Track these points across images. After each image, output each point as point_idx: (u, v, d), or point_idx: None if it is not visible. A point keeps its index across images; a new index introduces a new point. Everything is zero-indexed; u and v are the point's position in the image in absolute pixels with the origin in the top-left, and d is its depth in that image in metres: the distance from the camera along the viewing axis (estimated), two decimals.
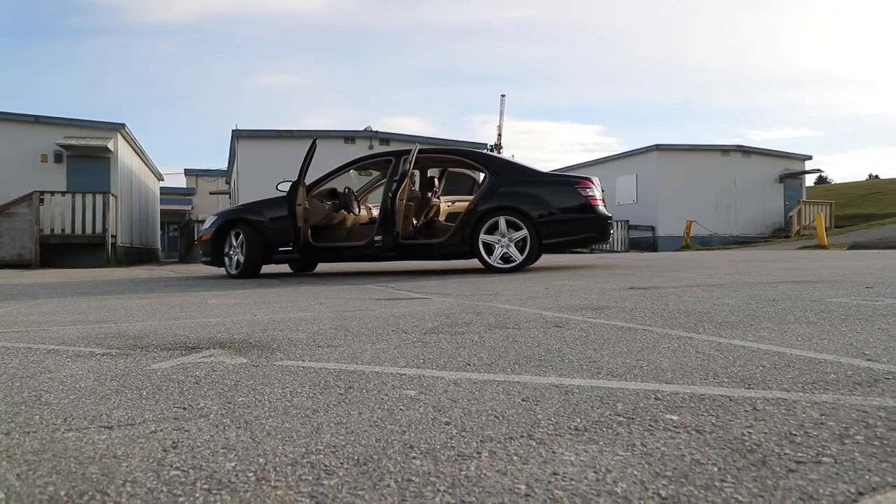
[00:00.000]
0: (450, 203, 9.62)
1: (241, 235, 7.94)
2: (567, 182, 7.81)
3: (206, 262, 8.60)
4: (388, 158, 8.18)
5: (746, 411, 1.22)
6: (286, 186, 7.80)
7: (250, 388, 1.53)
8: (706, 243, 25.01)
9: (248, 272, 7.86)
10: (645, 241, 26.05)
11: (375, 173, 9.52)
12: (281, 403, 1.37)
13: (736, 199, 27.66)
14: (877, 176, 67.34)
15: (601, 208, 7.60)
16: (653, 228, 26.61)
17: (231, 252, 8.07)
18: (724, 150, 28.16)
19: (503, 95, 53.98)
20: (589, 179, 7.73)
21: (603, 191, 8.12)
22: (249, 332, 2.57)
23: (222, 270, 8.34)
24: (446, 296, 4.42)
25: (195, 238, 21.06)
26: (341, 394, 1.43)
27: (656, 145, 27.30)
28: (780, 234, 27.29)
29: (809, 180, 32.70)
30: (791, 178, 29.22)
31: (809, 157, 30.53)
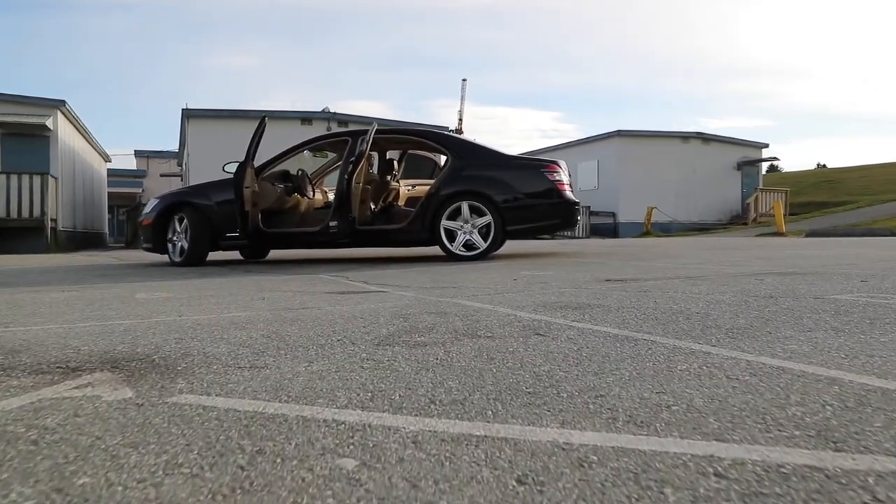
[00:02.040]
0: (409, 187, 9.13)
1: (186, 220, 7.35)
2: (533, 166, 7.41)
3: (147, 249, 7.99)
4: (344, 139, 7.64)
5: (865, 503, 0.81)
6: (233, 168, 7.21)
7: (109, 453, 1.03)
8: (666, 230, 25.00)
9: (193, 260, 7.28)
10: (606, 228, 25.94)
11: (331, 155, 8.96)
12: (140, 492, 0.89)
13: (695, 186, 27.72)
14: (825, 165, 68.73)
15: (568, 193, 7.22)
16: (614, 215, 26.52)
17: (174, 238, 7.48)
18: (685, 136, 28.20)
19: (464, 80, 53.45)
20: (556, 163, 7.34)
21: (570, 175, 7.73)
22: (160, 343, 2.07)
23: (166, 258, 7.73)
24: (405, 289, 3.97)
25: None
26: (242, 467, 0.96)
27: (618, 131, 27.16)
28: (738, 221, 27.49)
29: (763, 168, 33.03)
30: (748, 166, 29.44)
31: (766, 145, 30.86)
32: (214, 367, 1.65)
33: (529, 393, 1.33)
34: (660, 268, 5.34)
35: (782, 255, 7.20)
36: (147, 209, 8.01)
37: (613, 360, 1.65)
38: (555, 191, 7.07)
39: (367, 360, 1.71)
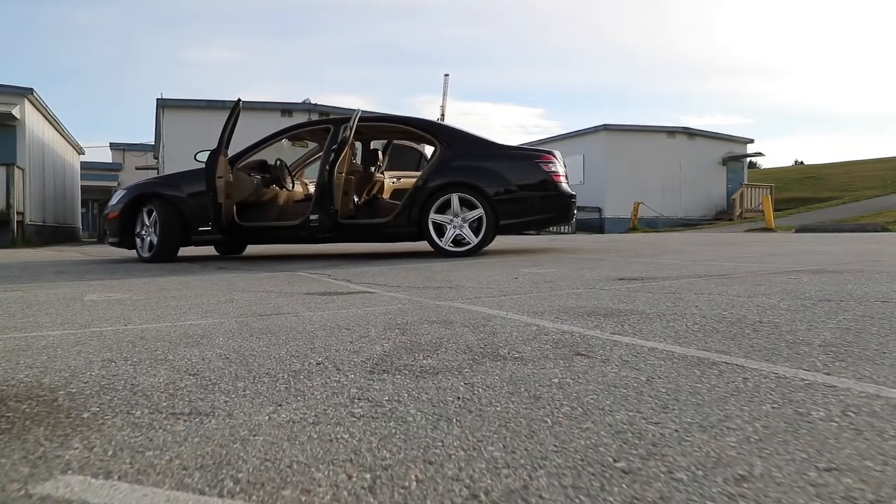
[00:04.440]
0: (395, 179, 8.62)
1: (155, 213, 6.78)
2: (527, 156, 6.89)
3: (113, 244, 7.40)
4: (325, 127, 7.10)
5: None
6: (206, 156, 6.64)
7: None
8: (652, 225, 24.65)
9: (163, 256, 6.73)
10: (592, 223, 25.55)
11: (312, 145, 8.42)
12: None
13: (681, 182, 27.41)
14: (802, 162, 68.81)
15: (564, 186, 6.74)
16: (599, 210, 26.11)
17: (143, 232, 6.93)
18: (671, 131, 27.86)
19: (447, 75, 52.58)
20: (551, 153, 6.85)
21: (565, 166, 7.24)
22: (80, 368, 1.56)
23: (135, 253, 7.15)
24: (395, 289, 3.48)
25: None
26: None
27: (604, 125, 26.76)
28: (723, 216, 27.22)
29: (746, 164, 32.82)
30: (733, 161, 29.20)
31: (751, 141, 30.61)
32: (137, 414, 1.14)
33: (625, 472, 0.84)
34: (670, 265, 4.89)
35: (790, 250, 6.79)
36: (113, 201, 7.42)
37: (709, 399, 1.17)
38: (550, 182, 6.59)
39: (359, 399, 1.22)
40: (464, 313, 2.44)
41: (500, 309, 2.54)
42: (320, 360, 1.59)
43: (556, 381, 1.31)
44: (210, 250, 8.38)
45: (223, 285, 3.97)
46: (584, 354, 1.57)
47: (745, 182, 28.95)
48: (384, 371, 1.45)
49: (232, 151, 6.80)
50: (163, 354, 1.69)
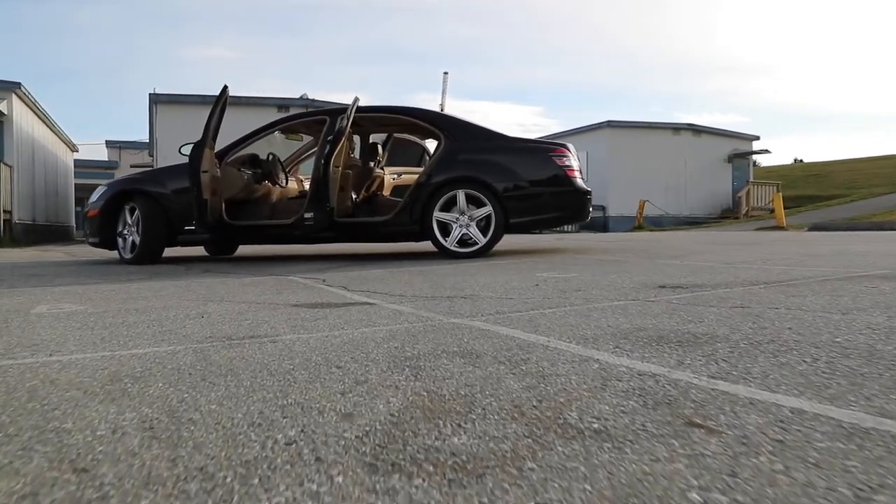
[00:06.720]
0: (395, 175, 8.07)
1: (137, 211, 6.23)
2: (539, 149, 6.34)
3: (93, 244, 6.86)
4: (321, 118, 6.54)
5: None
6: (191, 150, 6.08)
7: None
8: (657, 224, 24.09)
9: (146, 256, 6.19)
10: (596, 222, 24.97)
11: (308, 139, 7.87)
12: None
13: (686, 179, 26.85)
14: (801, 160, 68.05)
15: (579, 181, 6.20)
16: (604, 208, 25.55)
17: (125, 231, 6.39)
18: (676, 128, 27.31)
19: (446, 73, 50.92)
20: (564, 146, 6.30)
21: (579, 161, 6.67)
22: None
23: (116, 254, 6.61)
24: (399, 299, 2.94)
25: None
26: None
27: (608, 122, 26.21)
28: (729, 214, 26.67)
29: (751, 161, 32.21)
30: (739, 159, 28.63)
31: (757, 138, 30.04)
32: None
33: None
34: (705, 268, 4.34)
35: (823, 251, 6.24)
36: (93, 198, 6.86)
37: None
38: (564, 178, 6.05)
39: None
40: (492, 339, 1.89)
41: (535, 332, 1.99)
42: (292, 434, 1.03)
43: (696, 497, 0.76)
44: (200, 251, 7.84)
45: (201, 293, 3.44)
46: (701, 426, 1.02)
47: (752, 180, 28.40)
48: (392, 466, 0.88)
49: (222, 145, 6.26)
50: (60, 419, 1.13)
